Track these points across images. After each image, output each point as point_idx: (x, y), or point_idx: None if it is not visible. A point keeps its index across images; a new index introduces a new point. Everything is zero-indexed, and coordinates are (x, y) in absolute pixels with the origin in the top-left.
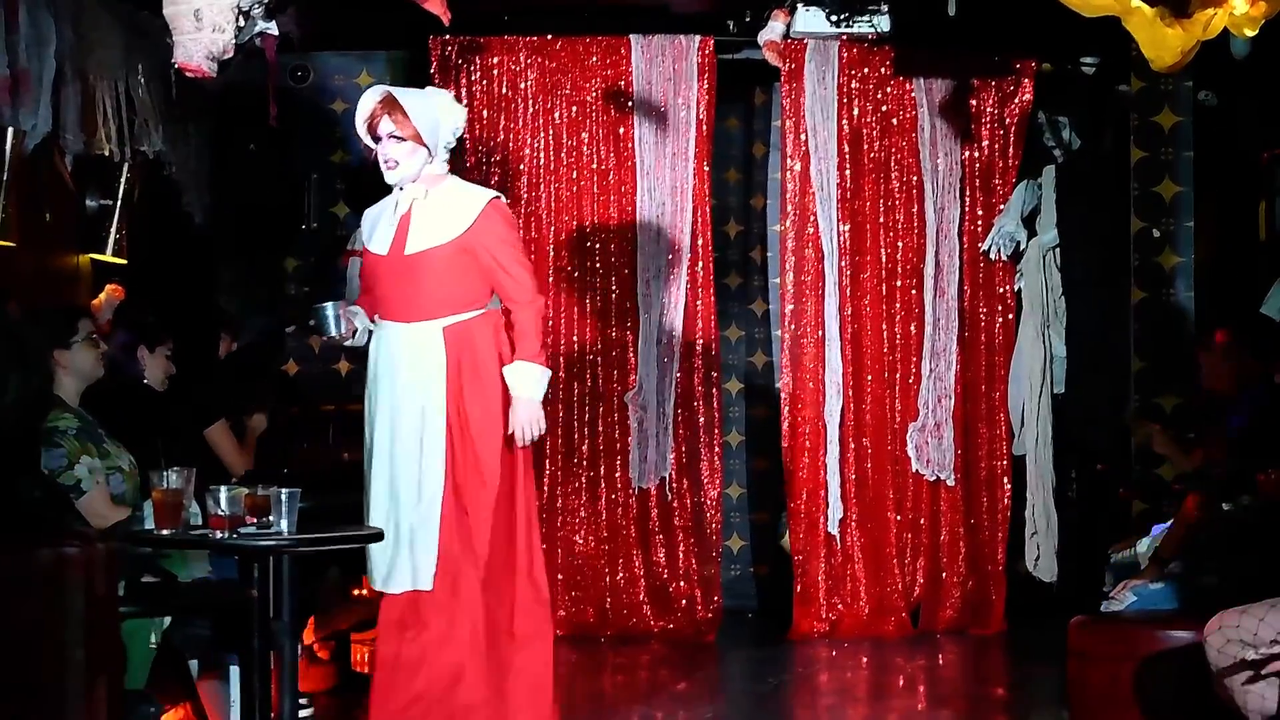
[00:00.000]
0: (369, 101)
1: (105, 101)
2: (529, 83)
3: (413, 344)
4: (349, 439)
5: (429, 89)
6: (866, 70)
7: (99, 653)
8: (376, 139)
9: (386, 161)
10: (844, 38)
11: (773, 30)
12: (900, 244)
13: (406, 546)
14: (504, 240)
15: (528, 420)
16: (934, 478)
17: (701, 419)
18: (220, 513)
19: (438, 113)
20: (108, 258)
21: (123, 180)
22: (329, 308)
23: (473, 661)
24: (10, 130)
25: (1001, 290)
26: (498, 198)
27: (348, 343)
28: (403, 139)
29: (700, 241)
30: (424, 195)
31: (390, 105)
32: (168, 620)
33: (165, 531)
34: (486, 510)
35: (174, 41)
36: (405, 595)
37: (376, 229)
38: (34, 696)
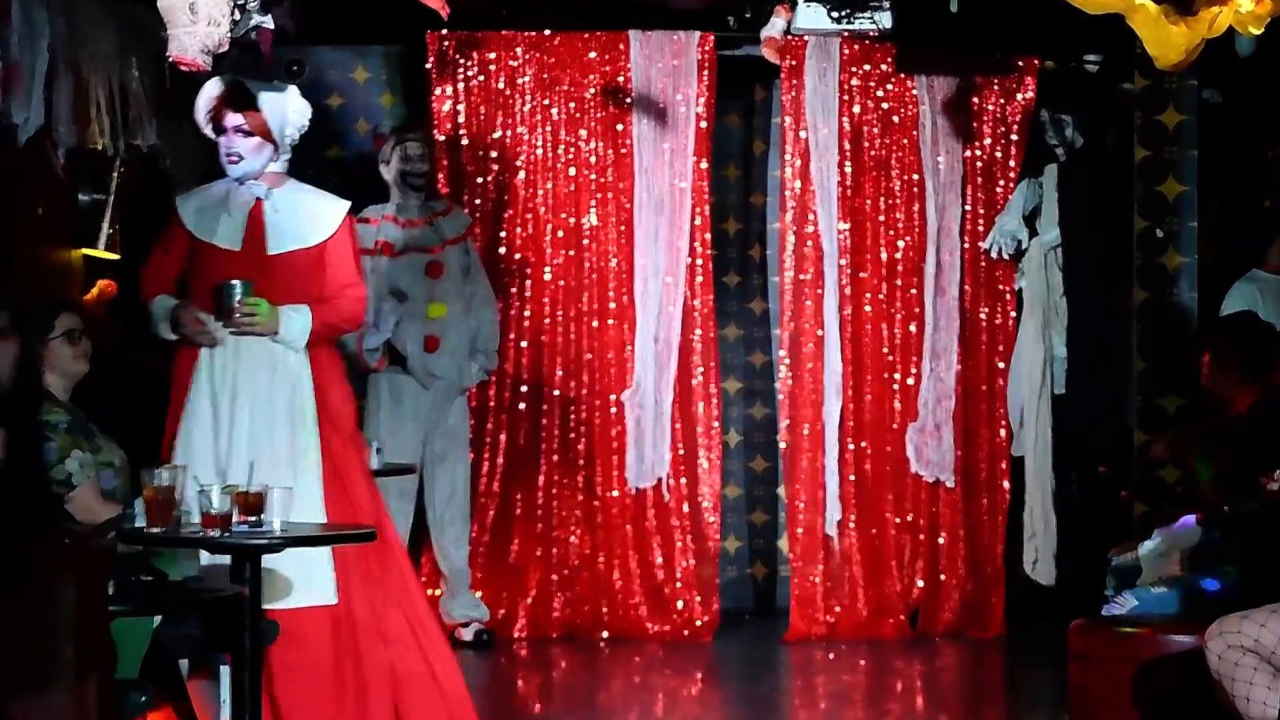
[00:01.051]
0: (214, 90)
1: (98, 95)
2: (527, 78)
3: (276, 348)
4: None
5: (275, 82)
6: (868, 67)
7: (89, 650)
8: (220, 130)
9: (230, 155)
10: (845, 34)
11: (774, 26)
12: (901, 243)
13: (296, 558)
14: (356, 254)
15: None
16: (933, 479)
17: (700, 419)
18: (212, 511)
19: (286, 108)
20: (101, 253)
21: (116, 174)
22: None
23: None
24: (1, 123)
25: (1003, 290)
26: (350, 206)
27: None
28: (250, 133)
29: (699, 239)
30: (267, 193)
31: (238, 96)
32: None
33: (156, 529)
34: (365, 515)
35: (168, 35)
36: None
37: (207, 221)
38: (24, 694)
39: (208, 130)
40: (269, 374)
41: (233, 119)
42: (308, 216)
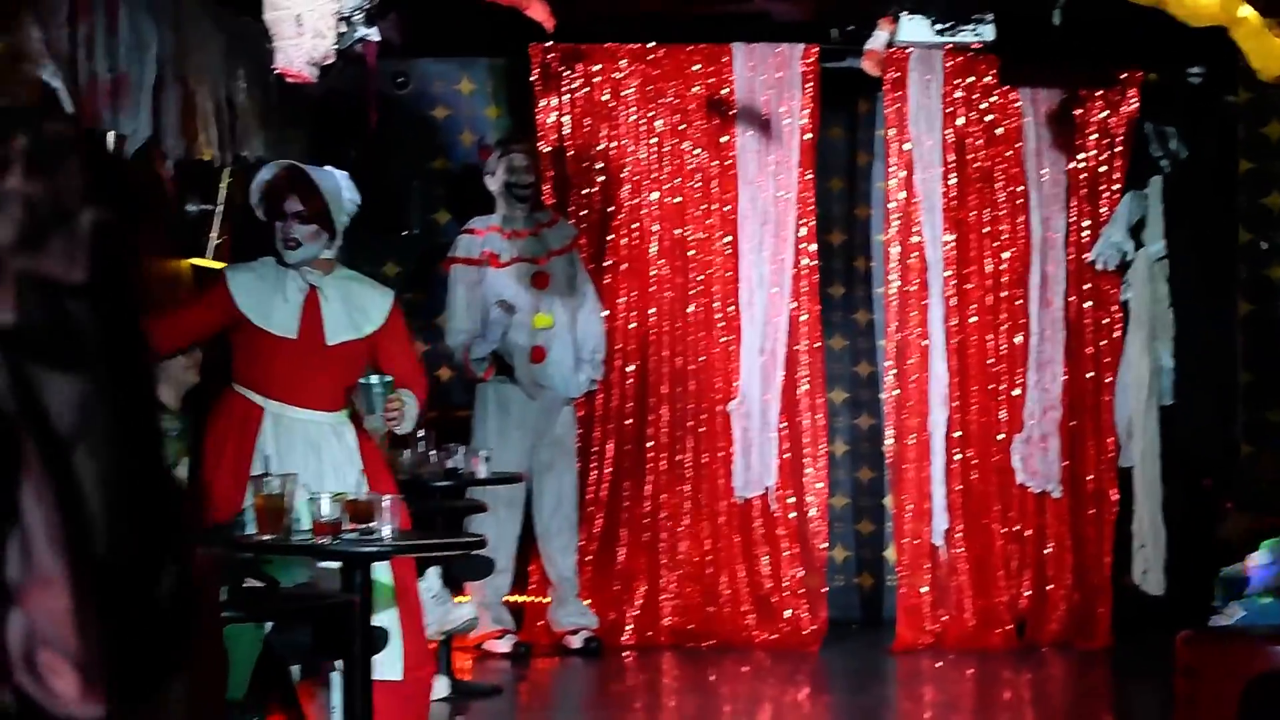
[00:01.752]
0: (272, 173)
1: (206, 106)
2: (631, 90)
3: (326, 431)
4: (449, 445)
5: (327, 167)
6: (971, 79)
7: (202, 657)
8: (276, 215)
9: (289, 241)
10: (948, 47)
11: (877, 40)
12: (1006, 254)
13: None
14: (408, 338)
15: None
16: (1040, 489)
17: (805, 429)
18: (322, 518)
19: (341, 194)
20: (208, 262)
21: (223, 185)
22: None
23: None
24: (111, 135)
25: (1108, 301)
26: (396, 296)
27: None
28: (309, 219)
29: (803, 251)
30: (320, 281)
31: (298, 182)
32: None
33: (267, 536)
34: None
35: (275, 47)
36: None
37: (261, 304)
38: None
39: (260, 213)
40: (328, 446)
41: (292, 204)
42: (358, 306)
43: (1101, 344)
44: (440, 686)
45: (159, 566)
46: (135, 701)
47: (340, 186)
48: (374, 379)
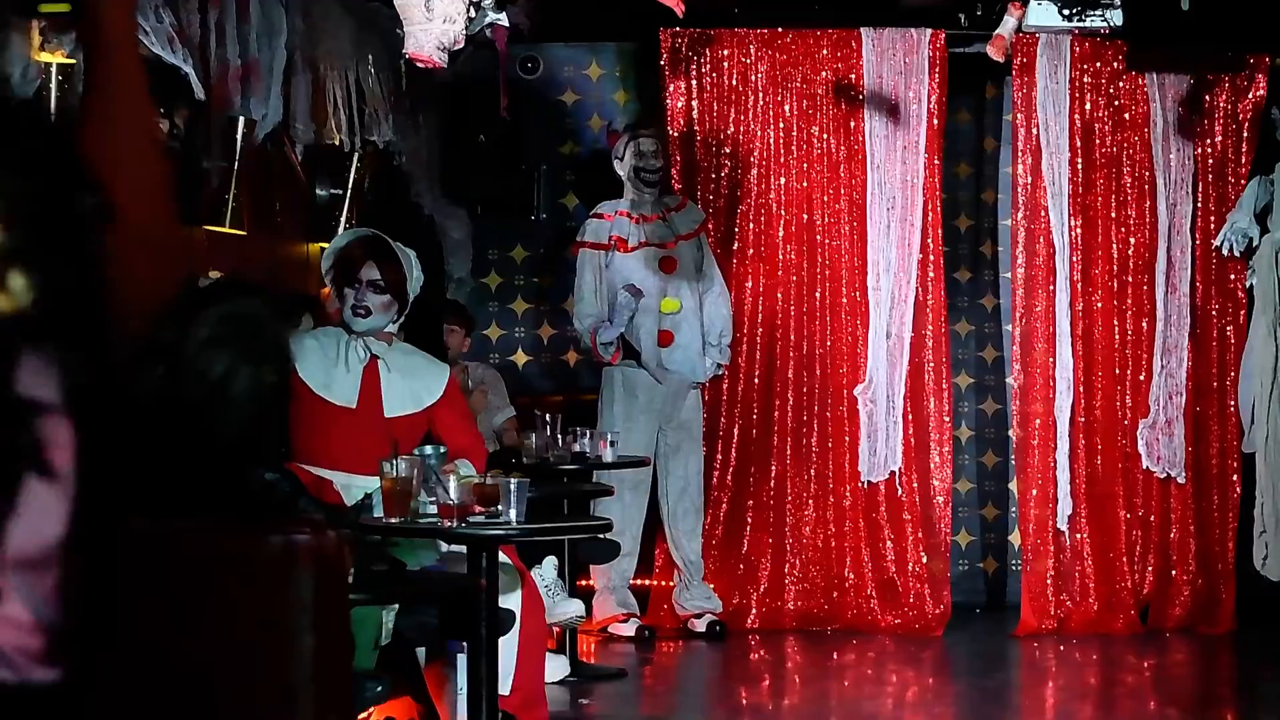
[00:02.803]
0: (350, 240)
1: (335, 91)
2: (759, 75)
3: None
4: (576, 429)
5: (399, 244)
6: (1099, 65)
7: (329, 640)
8: (350, 281)
9: (359, 308)
10: (1076, 32)
11: (1006, 25)
12: (1131, 239)
13: None
14: (465, 414)
15: None
16: (1164, 475)
17: (931, 413)
18: (449, 502)
19: (413, 269)
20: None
21: (352, 170)
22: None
23: None
24: (241, 120)
25: (1234, 287)
26: (452, 371)
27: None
28: (384, 290)
29: (930, 236)
30: (383, 351)
31: (378, 251)
32: (396, 608)
33: (394, 520)
34: None
35: (405, 32)
36: None
37: (320, 372)
38: (263, 684)
39: (330, 277)
40: None
41: (370, 272)
42: (417, 379)
43: (1226, 329)
44: (558, 667)
45: None
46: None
47: (413, 264)
48: (429, 449)
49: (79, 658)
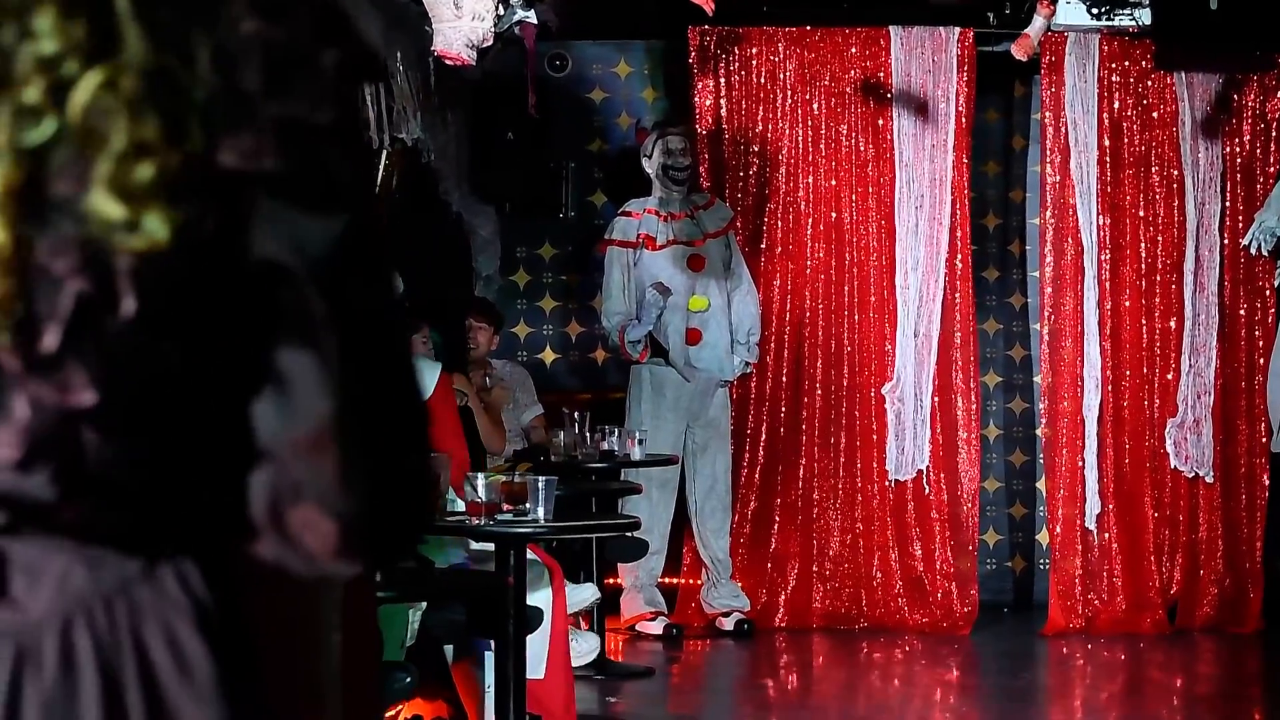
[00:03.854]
0: None
1: (364, 88)
2: (788, 73)
3: None
4: (604, 427)
5: None
6: (1127, 64)
7: (356, 636)
8: None
9: None
10: (1104, 31)
11: (1034, 25)
12: (1160, 238)
13: None
14: (454, 418)
15: None
16: (1192, 474)
17: (959, 412)
18: (477, 499)
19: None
20: None
21: (381, 167)
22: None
23: None
24: None
25: (1262, 286)
26: (441, 368)
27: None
28: None
29: (959, 234)
30: None
31: None
32: (423, 606)
33: None
34: None
35: (433, 29)
36: None
37: None
38: (291, 680)
39: None
40: None
41: None
42: None
43: (1254, 329)
44: (590, 646)
45: (415, 435)
46: (379, 564)
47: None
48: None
49: None
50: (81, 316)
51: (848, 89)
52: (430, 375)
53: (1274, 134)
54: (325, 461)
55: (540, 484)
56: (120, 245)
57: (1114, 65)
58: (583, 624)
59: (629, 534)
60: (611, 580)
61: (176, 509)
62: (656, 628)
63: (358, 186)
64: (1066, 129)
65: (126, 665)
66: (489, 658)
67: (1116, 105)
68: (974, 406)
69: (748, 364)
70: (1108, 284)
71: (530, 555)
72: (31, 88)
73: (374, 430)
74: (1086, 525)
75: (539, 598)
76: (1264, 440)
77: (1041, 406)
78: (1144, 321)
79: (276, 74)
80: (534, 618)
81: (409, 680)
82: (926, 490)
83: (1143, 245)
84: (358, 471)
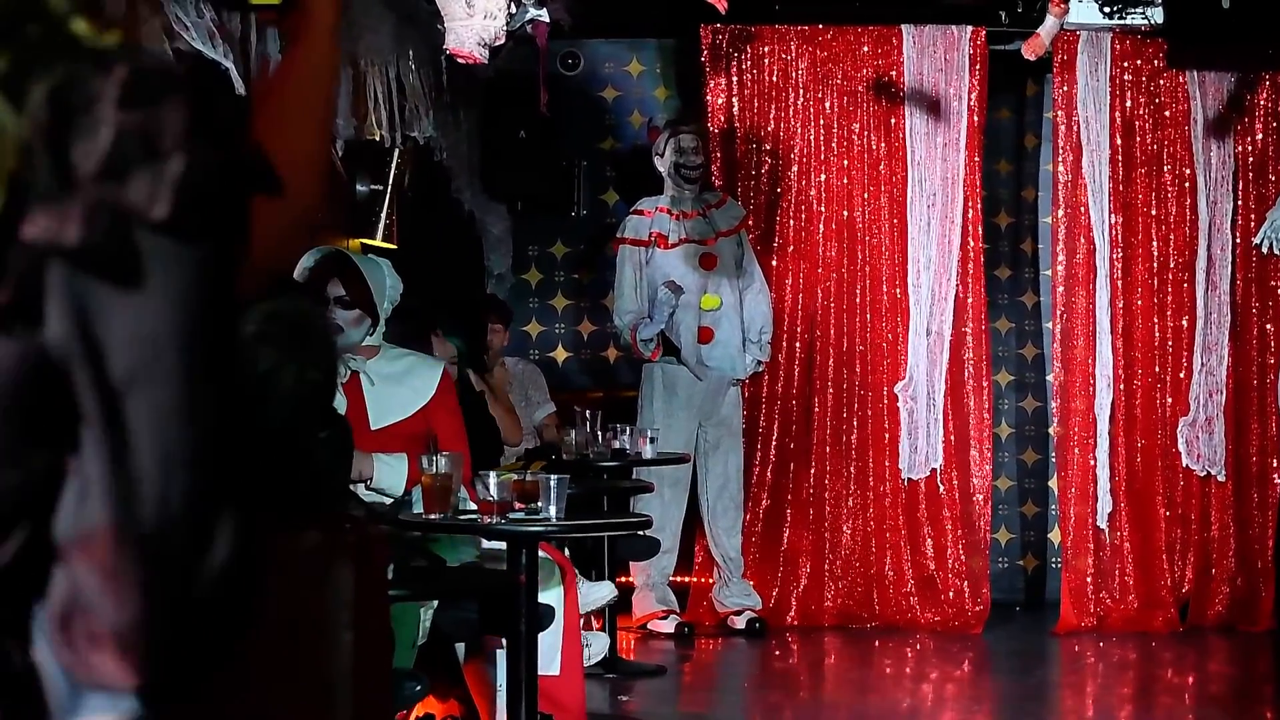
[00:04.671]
0: (315, 259)
1: (375, 87)
2: (800, 72)
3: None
4: (616, 425)
5: (370, 256)
6: (1139, 62)
7: (368, 636)
8: (320, 300)
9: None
10: (1117, 29)
11: (1045, 25)
12: (1172, 237)
13: None
14: (457, 412)
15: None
16: (1204, 473)
17: (971, 410)
18: (489, 498)
19: (385, 281)
20: (378, 242)
21: (393, 166)
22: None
23: None
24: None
25: (1274, 285)
26: (446, 366)
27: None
28: (350, 305)
29: (971, 233)
30: (363, 366)
31: (341, 267)
32: (435, 605)
33: (434, 516)
34: None
35: (446, 27)
36: None
37: None
38: (302, 679)
39: None
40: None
41: (335, 289)
42: (405, 384)
43: (1267, 327)
44: (601, 646)
45: (208, 536)
46: (177, 682)
47: (385, 274)
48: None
49: None
50: None
51: (860, 87)
52: (430, 377)
53: None
54: (100, 569)
55: (552, 482)
56: None
57: (1126, 64)
58: (594, 623)
59: (640, 533)
60: (623, 579)
61: None
62: (668, 626)
63: (184, 284)
64: (1079, 127)
65: None
66: (500, 656)
67: (1129, 104)
68: (986, 405)
69: (760, 362)
70: (1120, 282)
71: (541, 554)
72: None
73: (157, 538)
74: (1098, 524)
75: (550, 596)
76: (1275, 438)
77: (1053, 405)
78: (1156, 320)
79: (116, 160)
80: (545, 615)
81: (419, 688)
82: (939, 489)
83: (1155, 244)
84: (131, 583)
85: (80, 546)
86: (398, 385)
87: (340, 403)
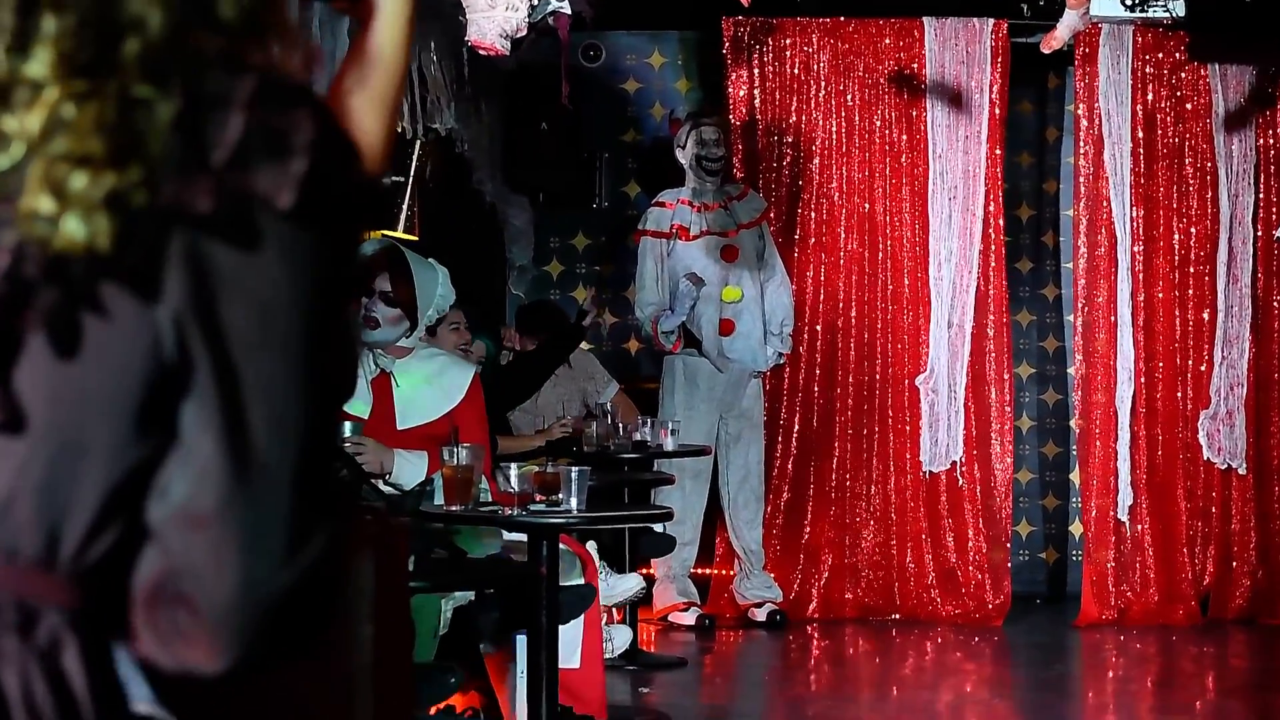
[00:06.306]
0: (373, 250)
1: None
2: (821, 64)
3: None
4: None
5: (431, 260)
6: (1161, 55)
7: (389, 627)
8: (366, 291)
9: (367, 318)
10: (1138, 22)
11: (1066, 19)
12: (1193, 230)
13: None
14: (479, 414)
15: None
16: (1225, 466)
17: (992, 403)
18: (509, 489)
19: (435, 291)
20: (400, 234)
21: (414, 157)
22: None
23: None
24: None
25: None
26: (477, 370)
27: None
28: (393, 302)
29: (992, 225)
30: (392, 365)
31: (395, 264)
32: (456, 596)
33: (455, 507)
34: None
35: (467, 19)
36: None
37: None
38: (323, 671)
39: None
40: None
41: (382, 283)
42: (434, 385)
43: None
44: (623, 639)
45: (311, 526)
46: (260, 665)
47: (438, 283)
48: (346, 423)
49: None
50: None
51: (881, 80)
52: (462, 379)
53: None
54: (202, 547)
55: (573, 474)
56: (41, 236)
57: (1148, 57)
58: (616, 616)
59: (657, 529)
60: (645, 571)
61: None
62: (689, 618)
63: (297, 262)
64: (1100, 120)
65: None
66: (521, 648)
67: (1150, 97)
68: (1007, 398)
69: (781, 355)
70: (1141, 275)
71: (561, 546)
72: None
73: (262, 513)
74: (1119, 517)
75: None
76: None
77: (1075, 398)
78: (1177, 313)
79: (245, 153)
80: (586, 595)
81: (454, 680)
82: (959, 481)
83: (1176, 237)
84: (235, 556)
85: (185, 524)
86: (427, 386)
87: (367, 397)
